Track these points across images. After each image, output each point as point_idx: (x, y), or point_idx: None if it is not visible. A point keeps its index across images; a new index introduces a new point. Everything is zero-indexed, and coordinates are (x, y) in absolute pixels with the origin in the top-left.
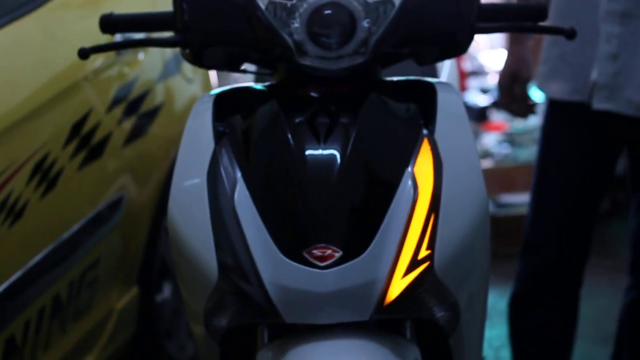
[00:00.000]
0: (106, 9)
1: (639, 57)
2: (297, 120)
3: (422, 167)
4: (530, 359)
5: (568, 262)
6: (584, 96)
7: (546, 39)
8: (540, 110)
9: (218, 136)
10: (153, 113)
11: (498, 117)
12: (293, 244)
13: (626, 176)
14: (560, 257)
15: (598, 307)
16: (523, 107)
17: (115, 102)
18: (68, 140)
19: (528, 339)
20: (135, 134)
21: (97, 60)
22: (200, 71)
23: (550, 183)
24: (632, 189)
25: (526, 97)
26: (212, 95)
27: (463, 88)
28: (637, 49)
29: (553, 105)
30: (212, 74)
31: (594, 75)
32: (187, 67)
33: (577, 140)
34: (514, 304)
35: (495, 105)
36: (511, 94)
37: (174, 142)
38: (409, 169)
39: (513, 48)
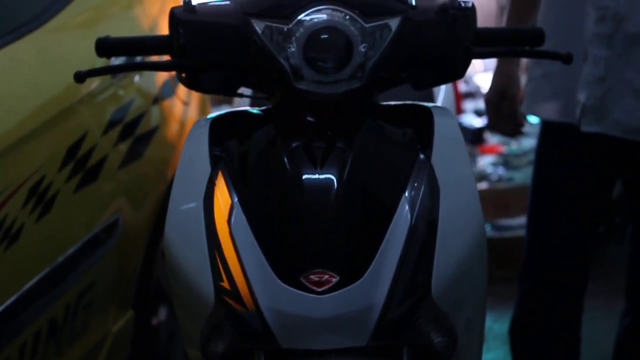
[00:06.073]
0: (102, 32)
1: (625, 79)
2: (294, 144)
3: (419, 192)
4: None
5: (566, 286)
6: (573, 118)
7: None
8: (532, 131)
9: (214, 160)
10: (149, 135)
11: (493, 139)
12: (290, 269)
13: (622, 200)
14: (558, 281)
15: (595, 329)
16: (511, 126)
17: (111, 124)
18: (63, 164)
19: None
20: (131, 156)
21: (93, 83)
22: (196, 94)
23: (545, 208)
24: (629, 213)
25: (515, 116)
26: (208, 119)
27: (459, 110)
28: (624, 71)
29: (546, 127)
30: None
31: (582, 98)
32: (183, 90)
33: (571, 164)
34: (515, 328)
35: (491, 127)
36: (499, 112)
37: (170, 164)
38: (406, 194)
39: (501, 66)
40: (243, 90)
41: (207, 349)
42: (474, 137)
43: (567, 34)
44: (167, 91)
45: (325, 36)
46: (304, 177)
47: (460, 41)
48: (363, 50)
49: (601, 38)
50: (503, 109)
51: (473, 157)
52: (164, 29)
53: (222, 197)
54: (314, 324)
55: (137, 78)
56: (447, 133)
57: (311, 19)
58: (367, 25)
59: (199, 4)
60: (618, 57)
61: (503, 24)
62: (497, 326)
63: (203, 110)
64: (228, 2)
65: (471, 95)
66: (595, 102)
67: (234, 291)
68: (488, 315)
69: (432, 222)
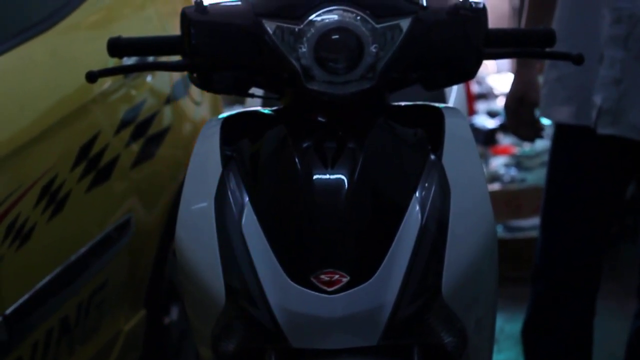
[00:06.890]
0: (115, 32)
1: None
2: (305, 144)
3: (430, 193)
4: None
5: (579, 288)
6: (589, 121)
7: (547, 61)
8: (545, 132)
9: (226, 160)
10: (161, 135)
11: (506, 140)
12: (301, 268)
13: (635, 201)
14: (571, 282)
15: (607, 331)
16: (530, 131)
17: (123, 124)
18: (76, 163)
19: None
20: (143, 156)
21: (106, 82)
22: (208, 94)
23: (559, 210)
24: None
25: (534, 121)
26: (219, 119)
27: (471, 111)
28: None
29: (559, 129)
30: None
31: (599, 100)
32: (195, 90)
33: (586, 167)
34: (527, 329)
35: (503, 128)
36: (518, 117)
37: (182, 164)
38: (417, 194)
39: (520, 71)
40: (254, 90)
41: (218, 348)
42: (487, 138)
43: (583, 36)
44: (179, 91)
45: (336, 37)
46: (315, 177)
47: (472, 42)
48: (374, 50)
49: (617, 40)
50: (522, 114)
51: (486, 158)
52: (175, 29)
53: (233, 197)
54: (324, 324)
55: (149, 78)
56: (458, 133)
57: (322, 20)
58: (378, 26)
59: (210, 4)
60: (634, 59)
61: (518, 26)
62: (508, 327)
63: (215, 111)
64: (239, 3)
65: (484, 96)
66: (612, 105)
67: (245, 290)
68: (500, 315)
69: (442, 223)
